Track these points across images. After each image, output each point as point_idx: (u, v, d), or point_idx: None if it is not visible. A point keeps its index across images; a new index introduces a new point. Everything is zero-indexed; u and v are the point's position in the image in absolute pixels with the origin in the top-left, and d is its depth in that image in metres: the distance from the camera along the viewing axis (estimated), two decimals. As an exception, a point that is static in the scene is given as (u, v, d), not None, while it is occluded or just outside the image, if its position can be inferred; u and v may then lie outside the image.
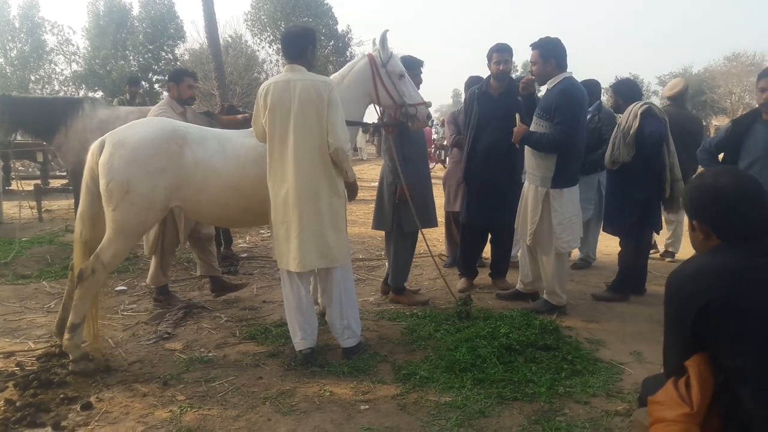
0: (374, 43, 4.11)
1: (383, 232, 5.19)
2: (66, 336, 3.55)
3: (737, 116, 4.61)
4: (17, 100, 7.01)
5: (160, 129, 3.64)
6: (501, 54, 5.13)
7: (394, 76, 4.04)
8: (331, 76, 4.02)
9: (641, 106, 4.93)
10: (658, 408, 1.79)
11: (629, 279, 5.14)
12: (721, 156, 4.48)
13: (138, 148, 3.52)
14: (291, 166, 3.50)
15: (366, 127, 4.47)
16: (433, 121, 20.17)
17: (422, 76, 4.99)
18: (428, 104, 4.23)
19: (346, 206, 3.79)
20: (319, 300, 4.23)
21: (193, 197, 3.70)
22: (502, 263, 5.58)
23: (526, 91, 4.88)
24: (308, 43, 3.65)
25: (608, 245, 6.92)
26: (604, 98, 6.69)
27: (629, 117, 4.93)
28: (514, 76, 6.60)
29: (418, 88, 4.55)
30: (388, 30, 4.05)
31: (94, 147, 3.60)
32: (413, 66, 4.79)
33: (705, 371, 1.75)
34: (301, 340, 3.70)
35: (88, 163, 3.60)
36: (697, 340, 1.78)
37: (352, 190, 3.83)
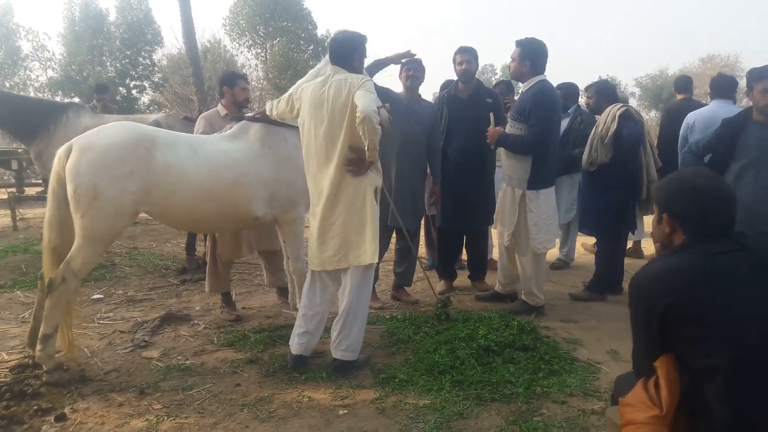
0: None
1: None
2: (38, 347, 3.49)
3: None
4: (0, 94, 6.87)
5: (128, 132, 3.59)
6: (463, 55, 5.18)
7: None
8: (299, 82, 4.05)
9: (619, 108, 5.00)
10: (629, 410, 1.81)
11: (606, 278, 5.19)
12: (707, 157, 4.43)
13: (105, 152, 3.46)
14: (316, 165, 3.60)
15: None
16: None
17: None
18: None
19: (374, 199, 3.65)
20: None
21: (163, 202, 3.65)
22: (479, 264, 5.62)
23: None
24: (356, 50, 3.66)
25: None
26: (581, 100, 6.78)
27: (607, 119, 4.99)
28: (494, 79, 6.68)
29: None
30: None
31: (61, 152, 3.54)
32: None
33: (673, 372, 1.77)
34: (296, 344, 3.73)
35: (55, 167, 3.54)
36: (663, 340, 1.81)
37: (361, 160, 3.56)
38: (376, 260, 3.67)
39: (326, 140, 3.54)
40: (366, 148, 3.43)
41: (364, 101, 3.34)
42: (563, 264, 6.44)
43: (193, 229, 4.50)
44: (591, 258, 5.82)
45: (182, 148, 3.71)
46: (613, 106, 5.07)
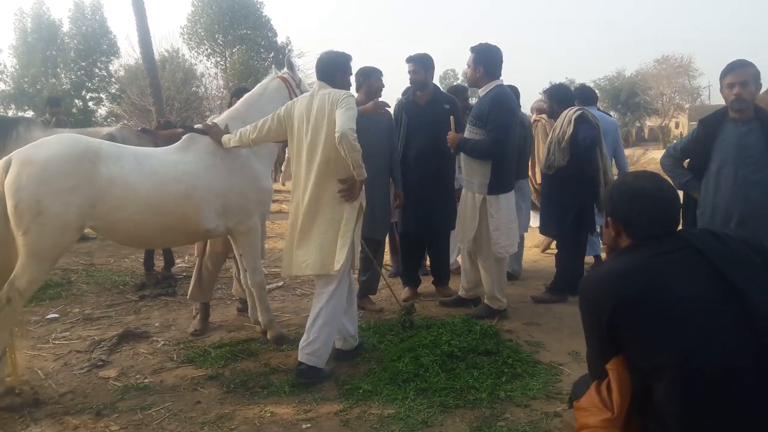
0: (287, 66, 4.32)
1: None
2: (-14, 372, 3.36)
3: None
4: None
5: (71, 145, 3.48)
6: (412, 64, 5.22)
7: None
8: (245, 96, 4.06)
9: (575, 111, 5.08)
10: (583, 414, 1.82)
11: (567, 280, 5.24)
12: (686, 162, 4.25)
13: (47, 165, 3.33)
14: (300, 176, 3.69)
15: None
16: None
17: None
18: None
19: (355, 214, 3.68)
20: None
21: (110, 216, 3.54)
22: (441, 270, 5.63)
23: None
24: (338, 68, 3.80)
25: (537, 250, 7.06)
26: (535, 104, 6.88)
27: (563, 122, 5.06)
28: (454, 83, 6.73)
29: (380, 94, 4.97)
30: (292, 55, 4.15)
31: None
32: (372, 74, 5.02)
33: (624, 374, 1.78)
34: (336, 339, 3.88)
35: None
36: (614, 343, 1.82)
37: (352, 186, 3.64)
38: (336, 269, 3.64)
39: (308, 152, 3.65)
40: (352, 168, 3.50)
41: (342, 120, 3.42)
42: (511, 276, 6.29)
43: (142, 245, 4.40)
44: (551, 260, 5.88)
45: (128, 161, 3.60)
46: (569, 109, 5.15)
